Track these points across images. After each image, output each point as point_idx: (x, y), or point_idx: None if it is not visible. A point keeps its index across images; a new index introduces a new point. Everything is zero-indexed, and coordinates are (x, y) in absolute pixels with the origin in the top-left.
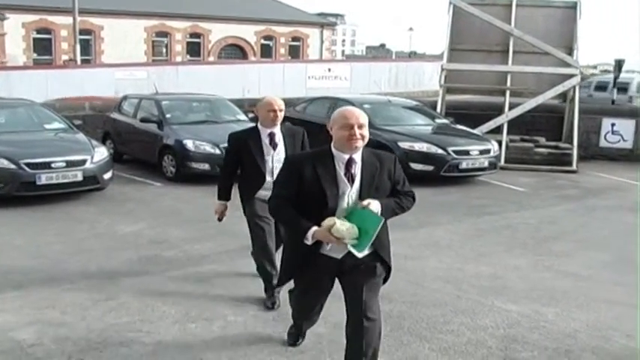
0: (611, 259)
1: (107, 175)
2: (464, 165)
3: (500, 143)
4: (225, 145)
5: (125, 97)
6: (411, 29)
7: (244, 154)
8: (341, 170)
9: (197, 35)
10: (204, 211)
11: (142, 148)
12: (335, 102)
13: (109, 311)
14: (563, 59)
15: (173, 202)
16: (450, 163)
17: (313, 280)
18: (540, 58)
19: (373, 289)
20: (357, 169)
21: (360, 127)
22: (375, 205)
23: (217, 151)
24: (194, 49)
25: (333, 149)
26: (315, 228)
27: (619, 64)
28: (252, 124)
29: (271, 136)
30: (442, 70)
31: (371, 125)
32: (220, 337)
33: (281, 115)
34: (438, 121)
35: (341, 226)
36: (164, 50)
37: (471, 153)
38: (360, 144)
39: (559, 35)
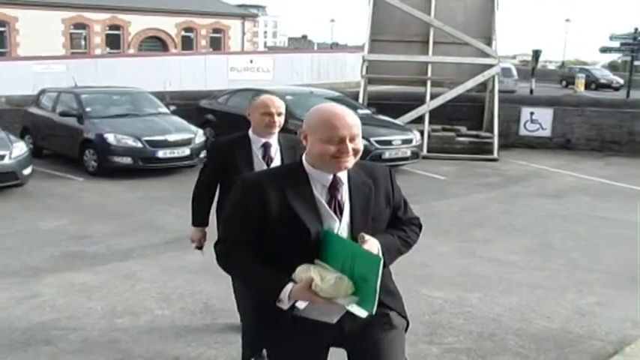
0: (532, 244)
1: (27, 171)
2: (387, 155)
3: (422, 133)
4: (149, 137)
5: (43, 91)
6: (332, 20)
7: (229, 170)
8: (322, 197)
9: (116, 27)
10: (128, 205)
11: (62, 142)
12: (257, 93)
13: (33, 309)
14: (482, 49)
15: (96, 197)
16: (373, 154)
17: (298, 354)
18: (460, 49)
19: (397, 346)
20: (344, 194)
21: (353, 139)
22: (371, 245)
23: (139, 145)
24: (114, 42)
25: (306, 165)
26: (290, 285)
27: (536, 55)
28: (176, 118)
29: (266, 147)
30: (363, 60)
31: (293, 116)
32: (148, 331)
33: (280, 120)
34: (360, 111)
35: (323, 283)
36: (83, 43)
37: (393, 143)
38: (352, 163)
39: (478, 26)
